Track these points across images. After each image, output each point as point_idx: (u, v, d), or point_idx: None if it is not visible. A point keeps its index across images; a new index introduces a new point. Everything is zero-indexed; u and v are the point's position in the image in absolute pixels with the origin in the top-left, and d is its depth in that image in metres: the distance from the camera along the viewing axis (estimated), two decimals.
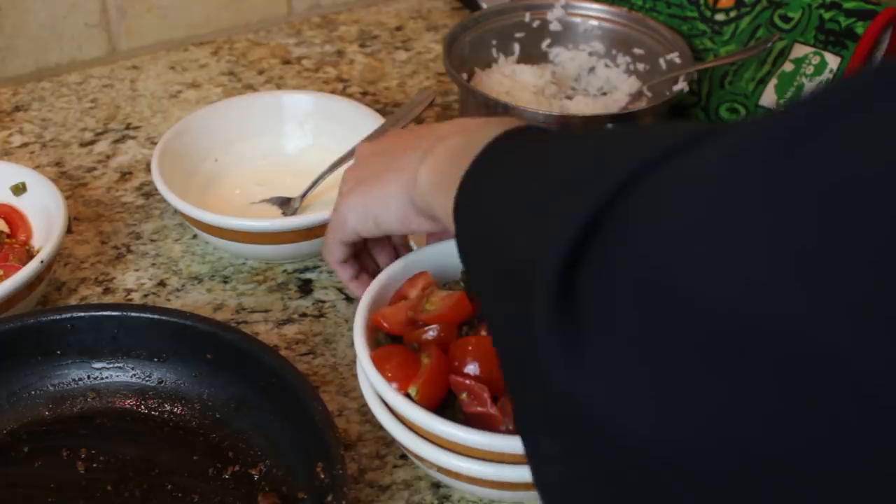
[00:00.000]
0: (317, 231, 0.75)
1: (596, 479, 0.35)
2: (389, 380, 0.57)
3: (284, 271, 0.79)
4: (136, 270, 0.79)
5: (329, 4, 1.16)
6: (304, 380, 0.61)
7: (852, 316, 0.26)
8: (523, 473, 0.54)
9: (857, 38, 0.83)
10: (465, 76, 0.91)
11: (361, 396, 0.61)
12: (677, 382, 0.31)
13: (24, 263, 0.70)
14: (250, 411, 0.63)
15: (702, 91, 0.92)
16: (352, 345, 0.64)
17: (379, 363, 0.58)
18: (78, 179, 0.89)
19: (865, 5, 0.84)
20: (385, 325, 0.61)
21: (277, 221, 0.75)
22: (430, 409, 0.56)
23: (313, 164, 0.84)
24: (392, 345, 0.61)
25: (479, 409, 0.56)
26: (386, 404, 0.58)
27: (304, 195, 0.82)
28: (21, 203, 0.78)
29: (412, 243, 0.70)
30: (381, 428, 0.60)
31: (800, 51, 0.86)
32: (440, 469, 0.57)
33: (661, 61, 0.93)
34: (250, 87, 1.02)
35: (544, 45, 0.98)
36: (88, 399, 0.66)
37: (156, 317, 0.66)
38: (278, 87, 1.02)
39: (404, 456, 0.64)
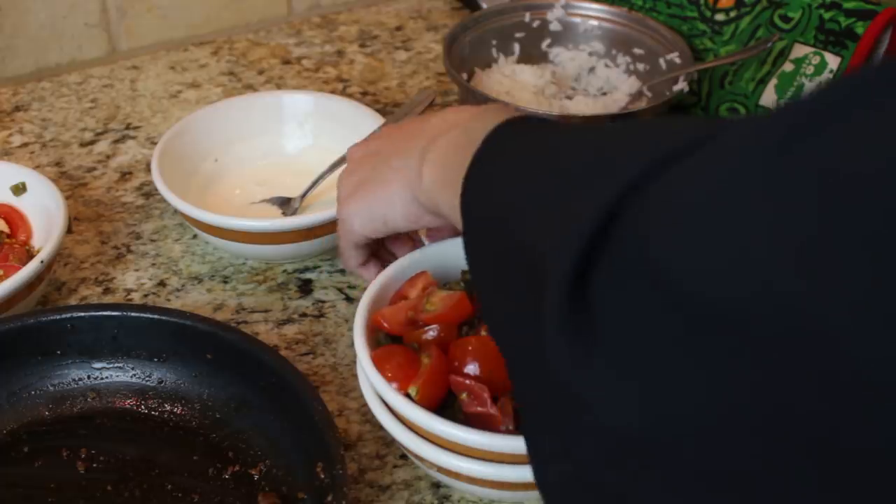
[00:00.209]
0: (317, 231, 0.75)
1: (599, 478, 0.35)
2: (389, 380, 0.57)
3: (284, 271, 0.79)
4: (136, 270, 0.79)
5: (329, 4, 1.16)
6: (304, 380, 0.61)
7: (852, 310, 0.27)
8: (523, 473, 0.54)
9: (857, 38, 0.83)
10: (465, 76, 0.91)
11: (361, 396, 0.61)
12: (684, 383, 0.31)
13: (24, 263, 0.70)
14: (250, 411, 0.63)
15: (702, 91, 0.92)
16: (352, 345, 0.64)
17: (379, 363, 0.58)
18: (78, 179, 0.89)
19: (865, 5, 0.84)
20: (385, 325, 0.61)
21: (277, 221, 0.75)
22: (430, 409, 0.56)
23: (313, 164, 0.84)
24: (392, 345, 0.61)
25: (479, 409, 0.56)
26: (386, 404, 0.58)
27: (304, 195, 0.82)
28: (21, 203, 0.78)
29: (423, 238, 0.69)
30: (381, 428, 0.60)
31: (800, 51, 0.86)
32: (440, 469, 0.57)
33: (661, 61, 0.93)
34: (250, 87, 1.02)
35: (544, 45, 0.98)
36: (88, 399, 0.66)
37: (156, 317, 0.66)
38: (278, 87, 1.02)
39: (404, 456, 0.64)
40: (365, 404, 0.62)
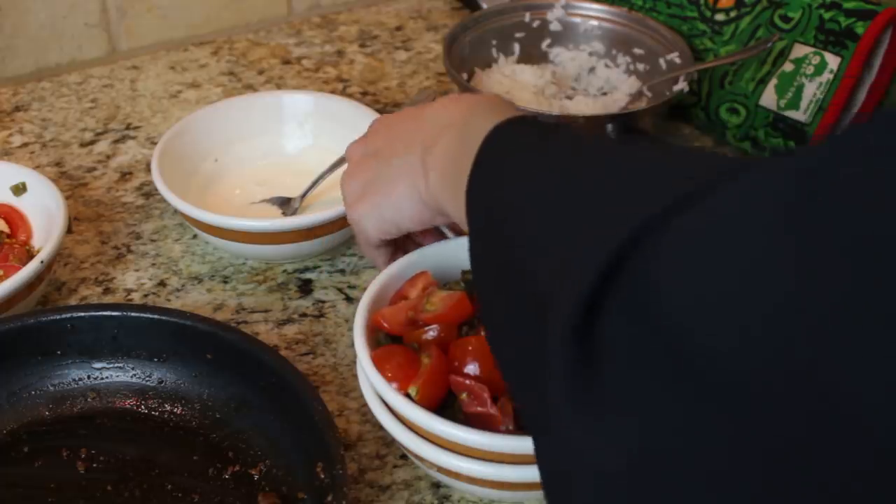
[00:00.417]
0: (317, 231, 0.75)
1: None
2: (389, 380, 0.57)
3: (284, 271, 0.79)
4: (136, 270, 0.79)
5: (329, 4, 1.16)
6: (304, 380, 0.61)
7: (887, 390, 0.25)
8: (523, 473, 0.54)
9: (857, 38, 0.83)
10: (465, 76, 0.91)
11: (361, 396, 0.61)
12: (685, 459, 0.30)
13: (24, 263, 0.70)
14: (250, 411, 0.63)
15: (702, 91, 0.92)
16: (352, 345, 0.64)
17: (379, 363, 0.58)
18: (78, 179, 0.89)
19: (865, 5, 0.84)
20: (385, 325, 0.61)
21: (277, 221, 0.75)
22: (430, 409, 0.56)
23: (313, 164, 0.84)
24: (392, 345, 0.61)
25: (479, 409, 0.56)
26: (386, 404, 0.58)
27: (304, 195, 0.82)
28: (21, 203, 0.78)
29: (445, 229, 0.69)
30: (381, 428, 0.60)
31: (800, 51, 0.86)
32: (440, 469, 0.57)
33: (661, 61, 0.93)
34: (250, 87, 1.02)
35: (544, 45, 0.98)
36: (88, 399, 0.66)
37: (156, 317, 0.66)
38: (278, 87, 1.02)
39: (404, 456, 0.64)
40: (365, 404, 0.62)
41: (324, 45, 1.10)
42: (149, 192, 0.87)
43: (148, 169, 0.89)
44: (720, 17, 0.92)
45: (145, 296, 0.76)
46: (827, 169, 0.29)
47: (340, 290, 0.77)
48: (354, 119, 0.85)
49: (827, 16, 0.85)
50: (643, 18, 0.96)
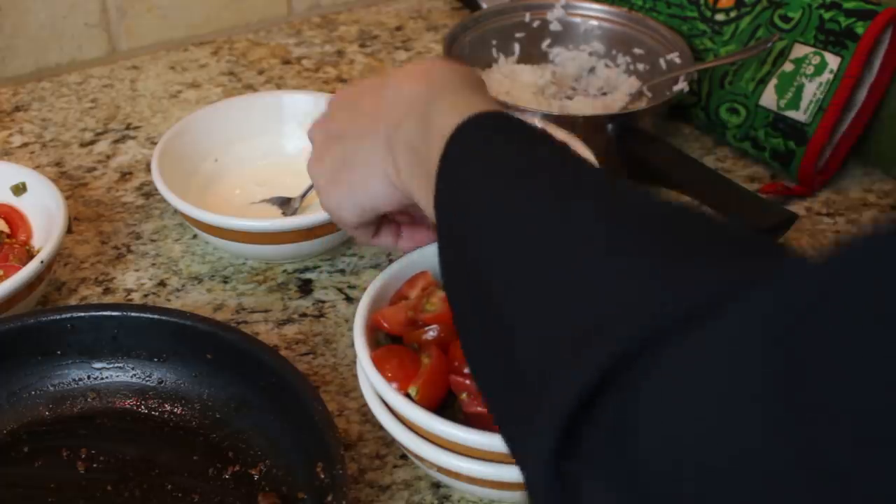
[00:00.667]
0: (317, 231, 0.75)
1: None
2: (389, 380, 0.57)
3: (284, 271, 0.79)
4: (136, 270, 0.79)
5: (329, 4, 1.16)
6: (304, 380, 0.61)
7: None
8: None
9: (857, 38, 0.83)
10: None
11: (361, 396, 0.61)
12: None
13: (24, 263, 0.70)
14: (250, 411, 0.63)
15: (702, 91, 0.92)
16: (352, 345, 0.64)
17: (379, 363, 0.58)
18: (78, 179, 0.89)
19: (865, 5, 0.84)
20: (385, 325, 0.61)
21: (277, 221, 0.75)
22: (430, 409, 0.56)
23: None
24: (392, 345, 0.61)
25: (479, 409, 0.56)
26: (386, 404, 0.58)
27: (304, 195, 0.82)
28: (21, 203, 0.78)
29: None
30: (381, 428, 0.60)
31: (800, 51, 0.86)
32: (440, 469, 0.57)
33: (661, 61, 0.93)
34: (250, 87, 1.02)
35: (544, 45, 0.98)
36: (88, 399, 0.66)
37: (156, 317, 0.65)
38: (278, 87, 1.02)
39: (404, 456, 0.64)
40: (365, 404, 0.62)
41: (324, 45, 1.10)
42: (149, 192, 0.87)
43: (148, 169, 0.89)
44: (720, 17, 0.92)
45: (145, 296, 0.76)
46: (825, 310, 0.27)
47: (340, 290, 0.77)
48: None
49: (827, 16, 0.85)
50: (643, 18, 0.96)
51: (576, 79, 0.97)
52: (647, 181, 0.86)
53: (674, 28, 0.94)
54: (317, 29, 1.13)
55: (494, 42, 0.97)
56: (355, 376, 0.67)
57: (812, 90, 0.85)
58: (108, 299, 0.76)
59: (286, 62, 1.07)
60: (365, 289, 0.64)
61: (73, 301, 0.75)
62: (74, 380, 0.66)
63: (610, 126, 0.85)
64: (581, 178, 0.43)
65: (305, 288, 0.78)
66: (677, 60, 0.91)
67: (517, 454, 0.37)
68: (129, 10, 1.04)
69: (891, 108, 0.87)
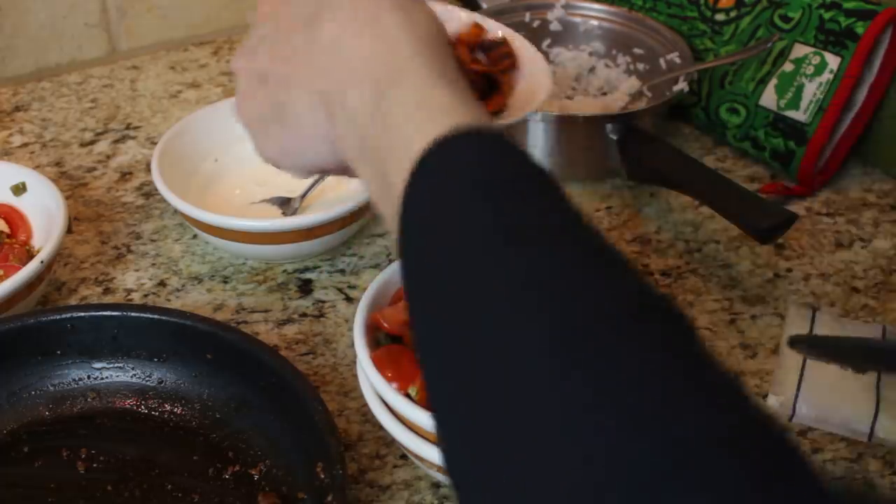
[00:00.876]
0: (317, 231, 0.75)
1: None
2: (389, 380, 0.57)
3: (284, 271, 0.79)
4: (136, 270, 0.79)
5: None
6: (304, 380, 0.61)
7: None
8: None
9: (857, 38, 0.83)
10: None
11: (361, 396, 0.61)
12: None
13: (24, 263, 0.70)
14: (250, 411, 0.63)
15: (702, 91, 0.92)
16: (352, 345, 0.64)
17: (379, 363, 0.58)
18: (78, 179, 0.89)
19: (865, 5, 0.84)
20: (385, 325, 0.61)
21: (277, 221, 0.75)
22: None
23: None
24: (392, 345, 0.61)
25: None
26: (386, 404, 0.58)
27: (304, 195, 0.82)
28: (21, 203, 0.78)
29: None
30: (381, 428, 0.60)
31: (800, 51, 0.86)
32: (440, 469, 0.57)
33: (661, 61, 0.93)
34: None
35: (544, 45, 0.98)
36: (88, 399, 0.66)
37: (156, 317, 0.66)
38: None
39: (404, 456, 0.64)
40: (365, 404, 0.62)
41: None
42: (149, 192, 0.87)
43: (148, 169, 0.89)
44: (720, 17, 0.92)
45: (145, 296, 0.76)
46: None
47: (340, 290, 0.77)
48: None
49: (827, 16, 0.85)
50: (643, 18, 0.96)
51: (576, 79, 0.97)
52: (647, 181, 0.86)
53: (674, 28, 0.94)
54: None
55: None
56: (355, 376, 0.67)
57: (812, 90, 0.85)
58: (108, 299, 0.76)
59: None
60: (365, 289, 0.64)
61: (73, 301, 0.75)
62: (74, 380, 0.66)
63: (610, 126, 0.85)
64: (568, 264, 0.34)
65: (305, 288, 0.78)
66: (677, 60, 0.91)
67: None
68: (129, 10, 1.04)
69: (891, 108, 0.87)
